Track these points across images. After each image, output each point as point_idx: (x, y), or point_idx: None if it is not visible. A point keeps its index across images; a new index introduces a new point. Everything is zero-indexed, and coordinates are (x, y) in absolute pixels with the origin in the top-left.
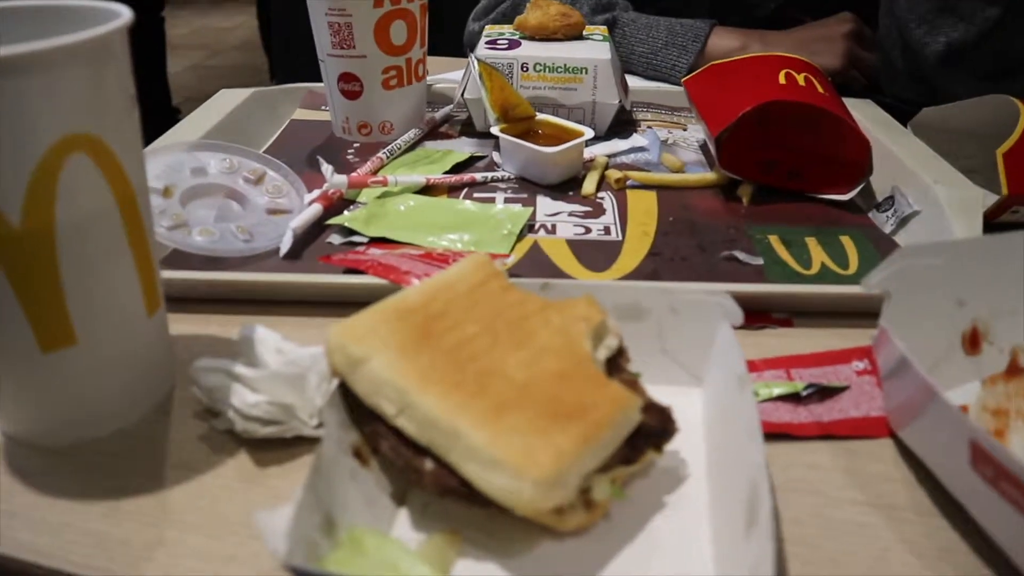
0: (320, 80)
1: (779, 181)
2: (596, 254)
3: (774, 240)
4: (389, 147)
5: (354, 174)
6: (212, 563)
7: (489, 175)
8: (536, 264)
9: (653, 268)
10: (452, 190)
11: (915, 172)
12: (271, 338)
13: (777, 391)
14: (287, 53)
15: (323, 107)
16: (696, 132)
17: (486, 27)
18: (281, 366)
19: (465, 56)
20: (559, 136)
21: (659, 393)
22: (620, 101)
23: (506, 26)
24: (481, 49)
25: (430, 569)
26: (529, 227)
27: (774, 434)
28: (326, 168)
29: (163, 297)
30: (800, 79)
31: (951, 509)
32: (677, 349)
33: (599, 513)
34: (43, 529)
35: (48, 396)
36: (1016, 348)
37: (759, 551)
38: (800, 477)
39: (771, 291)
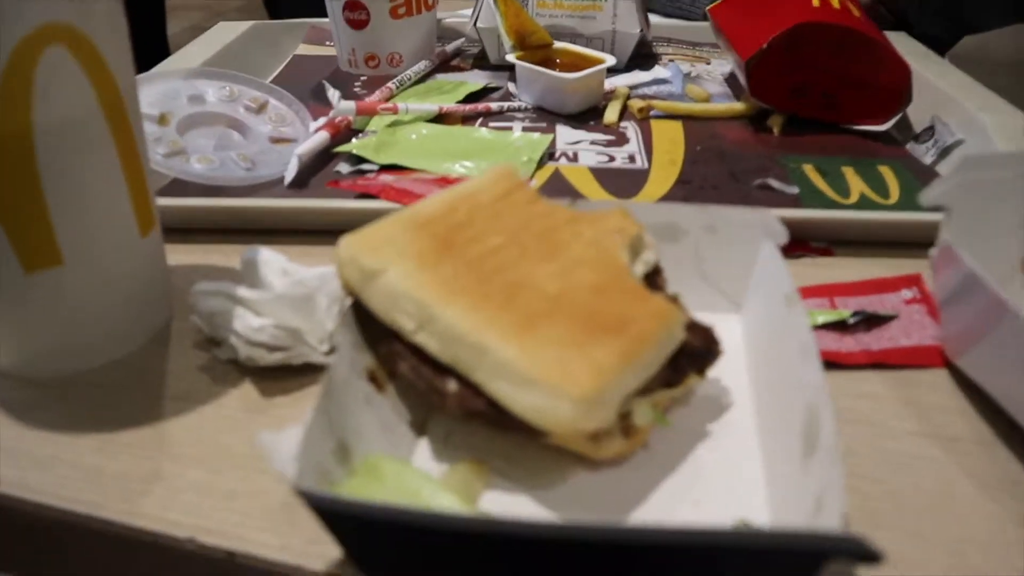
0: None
1: (812, 109)
2: (622, 181)
3: (809, 169)
4: (398, 78)
5: (362, 101)
6: (213, 498)
7: (505, 104)
8: (558, 192)
9: (683, 196)
10: (466, 119)
11: (957, 100)
12: (276, 260)
13: (821, 319)
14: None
15: (328, 42)
16: (721, 65)
17: None
18: (287, 287)
19: None
20: (578, 64)
21: None
22: (642, 31)
23: None
24: None
25: (456, 498)
26: (549, 155)
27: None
28: (332, 93)
29: (158, 218)
30: (835, 1)
31: (1016, 440)
32: (715, 272)
33: (639, 441)
34: (30, 464)
35: (33, 322)
36: None
37: (823, 480)
38: (851, 407)
39: (810, 217)
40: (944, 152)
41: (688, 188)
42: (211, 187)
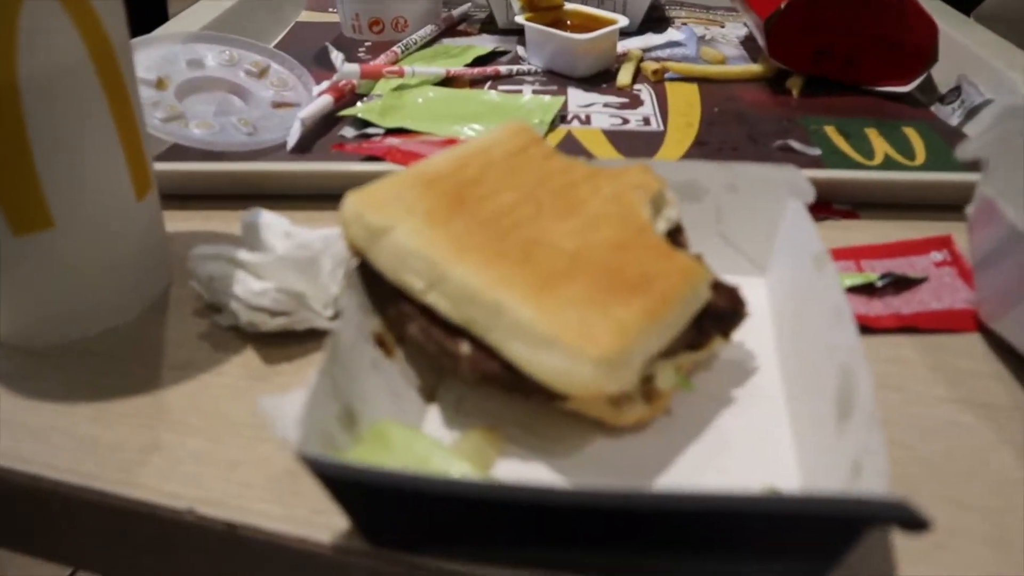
0: None
1: (832, 71)
2: (636, 143)
3: (831, 131)
4: (403, 43)
5: (367, 64)
6: (214, 467)
7: (515, 68)
8: (571, 154)
9: (701, 158)
10: (475, 83)
11: (985, 60)
12: (278, 222)
13: (848, 282)
14: None
15: (331, 9)
16: (735, 29)
17: None
18: (290, 249)
19: None
20: (589, 26)
21: None
22: None
23: None
24: None
25: (469, 466)
26: (561, 118)
27: None
28: (336, 56)
29: (154, 180)
30: None
31: None
32: (737, 233)
33: (661, 406)
34: (24, 434)
35: (25, 288)
36: None
37: (860, 444)
38: (882, 372)
39: (834, 177)
40: (971, 113)
41: (706, 150)
42: (211, 153)
